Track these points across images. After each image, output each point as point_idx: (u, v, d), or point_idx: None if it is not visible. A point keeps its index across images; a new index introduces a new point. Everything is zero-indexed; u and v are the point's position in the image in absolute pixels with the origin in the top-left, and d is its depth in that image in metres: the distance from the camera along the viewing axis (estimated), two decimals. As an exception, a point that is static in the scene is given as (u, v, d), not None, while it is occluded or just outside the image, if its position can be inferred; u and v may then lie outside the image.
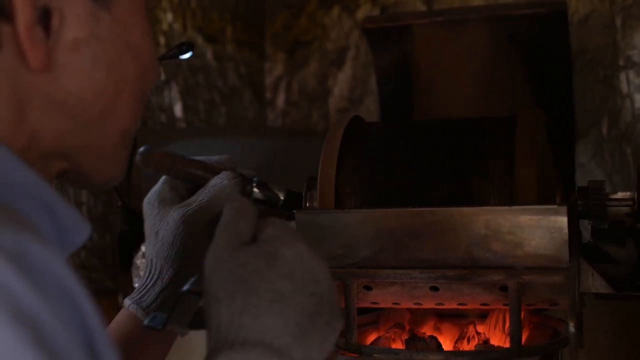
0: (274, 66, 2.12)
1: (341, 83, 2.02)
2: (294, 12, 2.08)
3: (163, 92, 1.89)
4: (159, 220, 0.94)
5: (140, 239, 1.51)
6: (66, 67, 0.61)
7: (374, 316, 1.19)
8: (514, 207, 0.97)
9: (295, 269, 0.66)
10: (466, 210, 0.98)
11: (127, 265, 1.49)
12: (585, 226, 1.11)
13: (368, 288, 1.05)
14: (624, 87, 1.54)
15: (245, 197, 0.97)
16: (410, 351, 1.03)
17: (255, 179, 0.99)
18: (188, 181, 0.96)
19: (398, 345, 1.09)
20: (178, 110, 1.92)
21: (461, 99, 1.48)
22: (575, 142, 1.56)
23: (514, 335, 0.98)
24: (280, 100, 2.12)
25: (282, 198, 1.01)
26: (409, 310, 1.17)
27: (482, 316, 1.14)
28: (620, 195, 1.08)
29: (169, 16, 1.89)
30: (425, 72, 1.51)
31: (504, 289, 0.99)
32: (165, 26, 1.87)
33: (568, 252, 0.96)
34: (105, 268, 1.67)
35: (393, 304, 1.10)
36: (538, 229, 0.95)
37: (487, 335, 1.11)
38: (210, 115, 1.99)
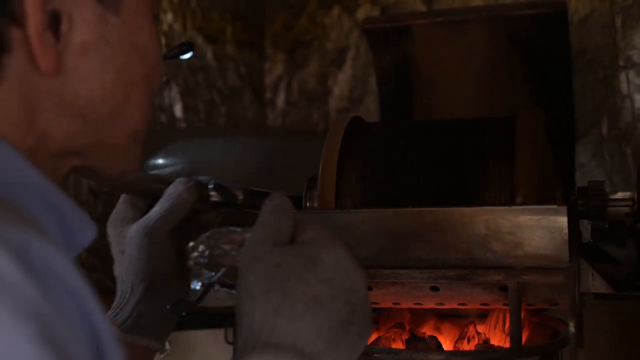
0: (274, 66, 2.12)
1: (341, 83, 2.02)
2: (294, 12, 2.08)
3: (163, 92, 1.89)
4: (123, 238, 0.94)
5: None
6: (76, 70, 0.62)
7: (374, 316, 1.19)
8: (514, 207, 0.97)
9: (333, 275, 0.65)
10: (466, 210, 0.98)
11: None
12: (585, 226, 1.11)
13: (368, 288, 1.06)
14: (624, 87, 1.54)
15: (205, 202, 0.97)
16: (411, 351, 1.03)
17: (212, 182, 0.98)
18: (146, 196, 0.96)
19: (398, 345, 1.09)
20: (178, 110, 1.92)
21: (461, 99, 1.48)
22: (575, 142, 1.56)
23: (514, 335, 0.98)
24: (280, 100, 2.12)
25: (240, 198, 0.99)
26: (409, 310, 1.17)
27: (482, 316, 1.14)
28: (620, 195, 1.08)
29: (169, 16, 1.90)
30: (425, 72, 1.51)
31: (504, 289, 1.00)
32: (165, 26, 1.88)
33: (568, 252, 0.96)
34: (105, 268, 1.67)
35: (393, 303, 1.10)
36: (538, 229, 0.95)
37: (487, 335, 1.11)
38: (210, 116, 1.99)
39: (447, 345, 1.12)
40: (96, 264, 1.64)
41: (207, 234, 1.49)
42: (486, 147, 1.05)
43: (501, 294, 1.01)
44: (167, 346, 1.36)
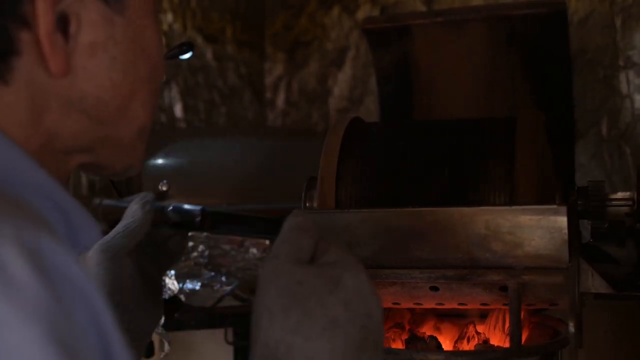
0: (274, 66, 2.12)
1: (341, 83, 2.02)
2: (294, 12, 2.09)
3: (163, 92, 1.89)
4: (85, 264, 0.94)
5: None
6: (83, 70, 0.63)
7: (374, 316, 1.19)
8: (513, 207, 0.97)
9: (353, 299, 0.65)
10: (466, 210, 0.98)
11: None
12: (585, 226, 1.11)
13: (368, 288, 1.06)
14: (624, 87, 1.54)
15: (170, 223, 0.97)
16: (410, 351, 1.03)
17: (171, 204, 0.97)
18: (109, 220, 0.96)
19: (398, 345, 1.09)
20: (178, 110, 1.92)
21: (461, 99, 1.48)
22: (575, 142, 1.56)
23: (514, 335, 0.98)
24: (280, 100, 2.12)
25: (197, 220, 0.98)
26: (409, 310, 1.17)
27: (482, 316, 1.14)
28: (619, 195, 1.08)
29: (169, 16, 1.90)
30: (425, 72, 1.51)
31: (503, 289, 1.00)
32: (165, 26, 1.88)
33: (568, 252, 0.96)
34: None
35: (393, 303, 1.10)
36: (538, 229, 0.95)
37: (487, 335, 1.11)
38: (210, 115, 1.99)
39: (446, 345, 1.12)
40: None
41: (206, 233, 1.50)
42: (486, 147, 1.05)
43: (501, 294, 1.01)
44: (167, 346, 1.36)
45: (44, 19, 0.59)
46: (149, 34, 0.68)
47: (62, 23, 0.61)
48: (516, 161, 1.01)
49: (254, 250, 1.51)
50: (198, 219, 0.95)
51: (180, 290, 1.46)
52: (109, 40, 0.64)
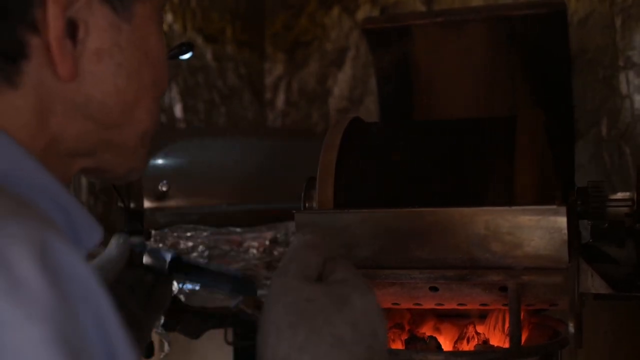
0: (273, 66, 2.12)
1: (341, 83, 2.02)
2: (294, 12, 2.08)
3: (163, 92, 1.88)
4: None
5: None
6: (90, 75, 0.64)
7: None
8: (513, 208, 0.97)
9: (360, 319, 0.66)
10: (466, 210, 0.98)
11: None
12: (585, 226, 1.11)
13: (368, 288, 1.06)
14: (624, 87, 1.54)
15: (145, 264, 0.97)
16: (410, 351, 1.03)
17: (147, 246, 0.97)
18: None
19: (398, 345, 1.09)
20: (178, 110, 1.92)
21: (461, 99, 1.48)
22: (575, 142, 1.56)
23: (514, 336, 0.98)
24: (280, 100, 2.12)
25: (167, 264, 0.98)
26: (409, 310, 1.17)
27: (482, 316, 1.14)
28: (619, 195, 1.08)
29: (169, 17, 1.90)
30: (425, 72, 1.51)
31: (503, 289, 1.00)
32: (165, 26, 1.87)
33: (567, 252, 0.96)
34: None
35: (393, 304, 1.10)
36: (537, 230, 0.95)
37: (486, 336, 1.11)
38: (210, 116, 1.99)
39: (446, 345, 1.12)
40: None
41: (206, 233, 1.50)
42: (486, 147, 1.05)
43: (501, 294, 1.01)
44: (167, 346, 1.36)
45: (54, 24, 0.60)
46: (153, 41, 0.69)
47: (71, 28, 0.62)
48: (516, 161, 1.01)
49: (253, 251, 1.51)
50: (167, 263, 0.96)
51: (180, 290, 1.46)
52: (115, 46, 0.65)
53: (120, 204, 1.56)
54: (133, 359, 0.55)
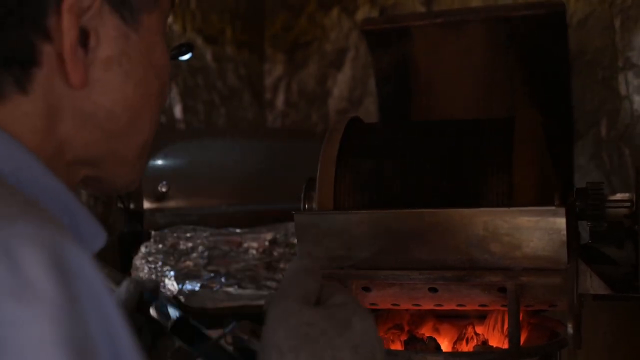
0: (273, 67, 2.12)
1: (340, 84, 2.02)
2: (294, 13, 2.09)
3: (163, 93, 1.88)
4: None
5: (139, 240, 1.51)
6: (99, 84, 0.65)
7: (373, 317, 1.19)
8: (512, 209, 0.97)
9: (360, 342, 0.67)
10: (465, 211, 0.98)
11: (127, 266, 1.50)
12: (584, 227, 1.12)
13: (367, 289, 1.06)
14: (623, 88, 1.54)
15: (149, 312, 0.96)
16: (409, 352, 1.03)
17: (158, 299, 0.97)
18: None
19: (397, 346, 1.09)
20: (178, 111, 1.92)
21: (460, 100, 1.48)
22: (574, 143, 1.56)
23: (513, 337, 0.98)
24: (280, 101, 2.12)
25: (169, 325, 0.98)
26: (408, 311, 1.17)
27: (481, 317, 1.14)
28: (618, 196, 1.08)
29: (169, 17, 1.90)
30: (425, 73, 1.51)
31: (502, 290, 1.00)
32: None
33: (566, 253, 0.96)
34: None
35: (392, 305, 1.10)
36: (536, 231, 0.96)
37: (485, 336, 1.11)
38: (210, 116, 1.99)
39: (445, 346, 1.12)
40: (96, 264, 1.64)
41: (205, 234, 1.50)
42: (485, 149, 1.05)
43: (500, 295, 1.01)
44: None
45: (68, 33, 0.62)
46: (158, 51, 0.70)
47: (83, 37, 0.63)
48: (515, 162, 1.01)
49: (253, 252, 1.51)
50: (170, 325, 0.95)
51: (180, 291, 1.46)
52: (124, 55, 0.66)
53: (120, 205, 1.56)
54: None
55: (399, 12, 1.87)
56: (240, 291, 1.49)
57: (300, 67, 2.08)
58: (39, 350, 0.48)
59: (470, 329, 1.10)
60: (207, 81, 2.00)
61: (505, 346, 1.05)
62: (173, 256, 1.48)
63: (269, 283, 1.50)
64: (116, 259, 1.58)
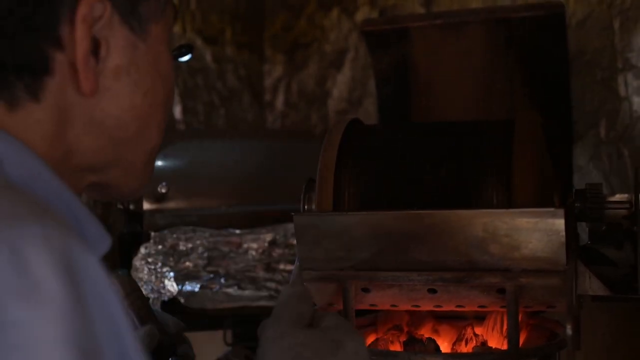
0: (273, 68, 2.12)
1: (340, 85, 2.02)
2: (293, 13, 2.09)
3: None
4: None
5: (139, 241, 1.51)
6: (108, 92, 0.67)
7: (372, 318, 1.19)
8: (511, 210, 0.97)
9: None
10: (464, 212, 0.98)
11: (126, 266, 1.50)
12: (583, 228, 1.12)
13: (366, 290, 1.06)
14: (622, 89, 1.54)
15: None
16: (409, 353, 1.03)
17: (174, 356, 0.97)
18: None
19: (396, 347, 1.09)
20: (177, 112, 1.93)
21: (460, 101, 1.48)
22: (573, 144, 1.56)
23: (512, 338, 0.98)
24: (280, 102, 2.12)
25: None
26: (407, 312, 1.17)
27: (480, 318, 1.14)
28: (618, 197, 1.08)
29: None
30: (424, 74, 1.51)
31: (501, 291, 1.00)
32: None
33: (565, 254, 0.96)
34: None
35: (391, 306, 1.10)
36: (535, 232, 0.96)
37: (485, 337, 1.11)
38: (210, 117, 2.00)
39: (444, 347, 1.12)
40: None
41: (205, 235, 1.50)
42: (484, 150, 1.05)
43: (499, 296, 1.01)
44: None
45: (81, 43, 0.63)
46: (164, 60, 0.72)
47: (93, 46, 0.65)
48: (514, 164, 1.01)
49: (252, 252, 1.51)
50: None
51: (180, 292, 1.46)
52: (133, 65, 0.68)
53: (119, 206, 1.56)
54: None
55: (399, 13, 1.87)
56: (239, 292, 1.49)
57: (300, 68, 2.08)
58: (46, 350, 0.49)
59: (469, 330, 1.10)
60: (207, 82, 2.00)
61: (505, 347, 1.05)
62: (172, 257, 1.48)
63: (268, 284, 1.50)
64: (116, 259, 1.58)
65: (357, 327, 1.08)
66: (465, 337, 1.09)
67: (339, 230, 1.02)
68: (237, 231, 1.52)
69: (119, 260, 1.55)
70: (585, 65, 1.60)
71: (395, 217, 1.01)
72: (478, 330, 1.12)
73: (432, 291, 1.03)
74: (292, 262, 1.50)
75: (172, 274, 1.46)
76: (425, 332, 1.15)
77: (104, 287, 0.54)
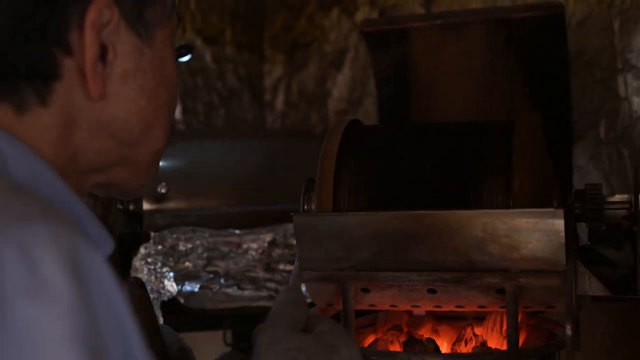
0: (273, 68, 2.13)
1: (340, 85, 2.02)
2: (293, 13, 2.09)
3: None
4: None
5: (139, 241, 1.51)
6: (115, 96, 0.68)
7: (372, 318, 1.19)
8: (511, 210, 0.97)
9: None
10: (464, 213, 0.98)
11: (126, 266, 1.50)
12: (583, 229, 1.12)
13: (366, 290, 1.06)
14: (622, 89, 1.54)
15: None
16: (408, 353, 1.03)
17: None
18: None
19: (396, 347, 1.09)
20: (177, 112, 1.92)
21: (459, 102, 1.48)
22: (573, 144, 1.56)
23: (511, 338, 0.98)
24: (279, 102, 2.12)
25: None
26: (407, 312, 1.17)
27: (480, 318, 1.14)
28: (617, 198, 1.08)
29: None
30: (424, 74, 1.51)
31: (501, 291, 1.00)
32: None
33: (565, 255, 0.96)
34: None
35: (391, 306, 1.10)
36: (535, 232, 0.96)
37: (484, 338, 1.11)
38: (210, 117, 2.00)
39: (444, 347, 1.12)
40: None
41: (205, 235, 1.50)
42: (484, 150, 1.05)
43: (498, 296, 1.01)
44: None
45: (90, 48, 0.65)
46: (169, 64, 0.74)
47: (101, 52, 0.66)
48: (514, 164, 1.01)
49: (252, 252, 1.51)
50: None
51: (179, 292, 1.46)
52: (139, 69, 0.69)
53: (119, 206, 1.56)
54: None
55: (399, 13, 1.87)
56: (239, 292, 1.49)
57: (300, 68, 2.08)
58: (54, 348, 0.50)
59: (469, 331, 1.10)
60: (207, 82, 2.00)
61: (504, 347, 1.05)
62: (172, 257, 1.48)
63: (268, 284, 1.50)
64: (116, 259, 1.58)
65: (357, 327, 1.08)
66: (465, 337, 1.09)
67: (339, 230, 1.02)
68: (237, 231, 1.52)
69: (119, 260, 1.55)
70: (585, 66, 1.60)
71: (395, 217, 1.01)
72: (478, 330, 1.12)
73: (432, 291, 1.03)
74: (291, 263, 1.50)
75: (171, 274, 1.46)
76: (425, 333, 1.15)
77: (110, 286, 0.55)
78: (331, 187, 1.06)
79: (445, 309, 1.08)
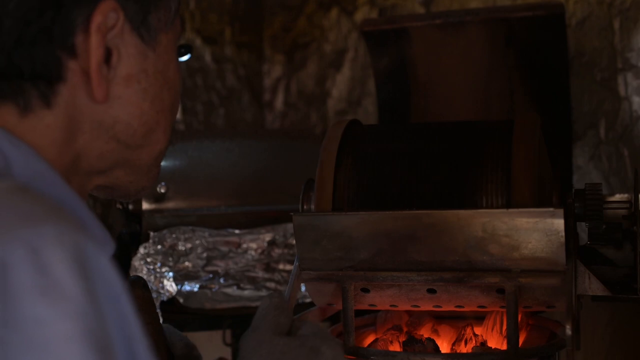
0: (272, 68, 2.12)
1: (339, 85, 2.02)
2: (293, 13, 2.09)
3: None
4: None
5: (138, 240, 1.51)
6: (119, 99, 0.69)
7: (372, 318, 1.19)
8: (510, 210, 0.97)
9: None
10: (463, 212, 0.98)
11: (126, 266, 1.50)
12: (583, 228, 1.12)
13: (365, 290, 1.06)
14: (622, 89, 1.54)
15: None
16: (408, 353, 1.03)
17: None
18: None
19: (395, 347, 1.09)
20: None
21: (459, 101, 1.48)
22: (573, 144, 1.56)
23: (511, 338, 0.98)
24: (279, 102, 2.12)
25: None
26: (407, 312, 1.17)
27: (480, 318, 1.14)
28: (617, 197, 1.08)
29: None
30: (423, 74, 1.51)
31: (500, 291, 1.00)
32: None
33: (565, 254, 0.96)
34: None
35: (390, 306, 1.10)
36: (535, 232, 0.96)
37: (484, 338, 1.11)
38: (209, 117, 2.00)
39: (444, 347, 1.12)
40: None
41: (204, 235, 1.50)
42: (483, 150, 1.05)
43: (498, 296, 1.01)
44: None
45: (95, 52, 0.66)
46: (172, 68, 0.74)
47: (106, 55, 0.67)
48: (513, 164, 1.01)
49: (252, 252, 1.51)
50: None
51: (179, 292, 1.46)
52: (142, 72, 0.70)
53: (118, 206, 1.56)
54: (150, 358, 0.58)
55: (398, 12, 1.87)
56: (239, 292, 1.49)
57: (299, 68, 2.08)
58: (64, 346, 0.52)
59: (468, 330, 1.10)
60: (206, 82, 2.00)
61: (504, 347, 1.05)
62: (172, 257, 1.48)
63: (267, 284, 1.50)
64: (115, 259, 1.58)
65: (357, 327, 1.07)
66: (465, 337, 1.09)
67: (338, 230, 1.02)
68: (237, 231, 1.52)
69: (118, 260, 1.54)
70: (584, 66, 1.60)
71: (395, 217, 1.00)
72: (477, 330, 1.12)
73: (432, 291, 1.03)
74: (291, 262, 1.50)
75: (171, 274, 1.46)
76: (424, 332, 1.15)
77: (115, 287, 0.57)
78: (331, 187, 1.06)
79: (445, 308, 1.08)
